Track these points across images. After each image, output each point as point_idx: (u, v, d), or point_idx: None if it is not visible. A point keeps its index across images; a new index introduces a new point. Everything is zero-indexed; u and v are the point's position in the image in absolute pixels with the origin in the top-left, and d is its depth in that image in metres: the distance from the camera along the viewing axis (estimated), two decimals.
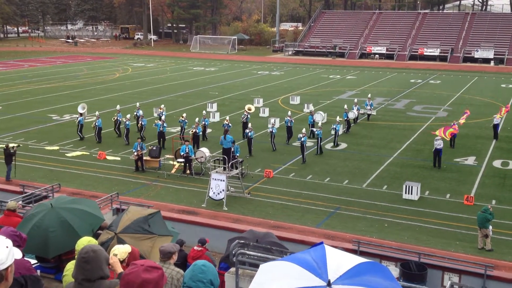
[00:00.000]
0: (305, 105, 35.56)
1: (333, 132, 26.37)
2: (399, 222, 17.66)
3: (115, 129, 28.26)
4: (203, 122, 27.10)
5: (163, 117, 27.50)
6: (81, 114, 28.56)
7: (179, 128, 27.89)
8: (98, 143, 26.74)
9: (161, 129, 26.01)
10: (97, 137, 27.08)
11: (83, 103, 30.96)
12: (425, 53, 70.04)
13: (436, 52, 69.84)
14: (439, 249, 15.51)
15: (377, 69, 61.60)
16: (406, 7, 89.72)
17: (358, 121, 31.47)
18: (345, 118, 29.11)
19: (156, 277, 3.50)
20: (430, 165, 23.79)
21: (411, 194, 19.57)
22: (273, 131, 25.64)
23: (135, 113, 28.38)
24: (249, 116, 27.75)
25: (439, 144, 23.27)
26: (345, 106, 30.78)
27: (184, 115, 27.87)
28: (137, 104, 30.13)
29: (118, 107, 29.59)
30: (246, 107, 28.79)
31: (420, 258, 14.22)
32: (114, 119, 28.16)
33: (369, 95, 34.40)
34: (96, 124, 27.01)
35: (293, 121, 27.25)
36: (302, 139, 24.04)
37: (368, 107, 32.38)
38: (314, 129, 26.37)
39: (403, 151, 26.33)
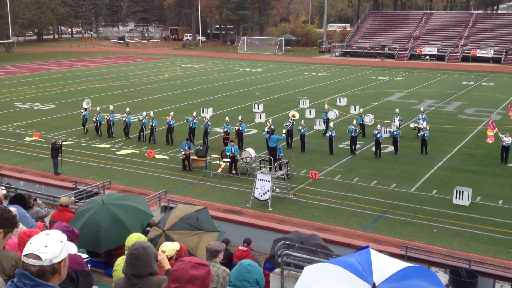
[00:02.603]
0: (352, 106, 35.15)
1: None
2: (448, 228, 17.20)
3: (110, 128, 28.48)
4: (225, 129, 26.29)
5: (194, 114, 27.80)
6: (86, 109, 29.48)
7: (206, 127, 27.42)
8: (102, 137, 28.13)
9: (191, 125, 26.62)
10: (110, 131, 28.32)
11: (87, 98, 31.84)
12: (478, 55, 67.95)
13: (489, 53, 67.65)
14: (491, 257, 15.03)
15: (427, 71, 60.24)
16: (459, 8, 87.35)
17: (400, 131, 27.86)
18: (360, 122, 28.46)
19: (204, 273, 3.54)
20: (482, 170, 23.12)
21: (462, 199, 19.01)
22: (333, 134, 25.32)
23: (125, 119, 28.31)
24: (294, 123, 26.81)
25: (507, 140, 23.11)
26: (361, 110, 30.45)
27: (208, 117, 28.16)
28: (127, 109, 29.40)
29: (111, 107, 29.62)
30: (290, 114, 27.70)
31: (470, 265, 13.83)
32: (106, 118, 28.42)
33: (422, 108, 31.58)
34: (110, 118, 28.12)
35: (357, 130, 25.70)
36: (378, 135, 24.34)
37: (421, 121, 28.43)
38: (391, 129, 26.02)
39: (454, 155, 25.64)
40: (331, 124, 27.35)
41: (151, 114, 28.17)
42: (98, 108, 29.64)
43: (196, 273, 3.48)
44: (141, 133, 27.64)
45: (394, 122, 28.81)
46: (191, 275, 3.46)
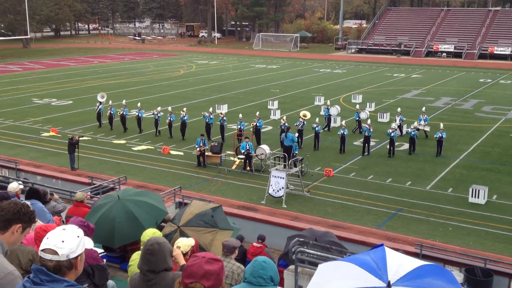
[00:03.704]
0: (367, 103, 34.94)
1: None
2: (464, 227, 17.06)
3: (123, 123, 28.84)
4: (239, 126, 26.10)
5: (210, 109, 27.95)
6: (100, 103, 29.83)
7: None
8: (118, 132, 28.23)
9: (207, 121, 26.85)
10: (122, 125, 28.66)
11: (102, 92, 32.11)
12: (495, 52, 67.15)
13: (507, 51, 66.79)
14: (507, 256, 14.88)
15: (444, 68, 59.65)
16: (476, 4, 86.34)
17: (403, 134, 27.67)
18: (356, 119, 28.32)
19: (218, 268, 3.57)
20: (499, 168, 22.87)
21: (478, 198, 18.84)
22: (345, 133, 25.16)
23: (137, 114, 28.57)
24: (305, 123, 26.28)
25: None
26: (357, 107, 30.39)
27: (224, 112, 28.31)
28: (139, 104, 29.75)
29: (124, 101, 29.85)
30: (301, 113, 27.09)
31: (486, 264, 13.71)
32: (120, 113, 28.70)
33: (423, 109, 30.42)
34: (123, 113, 28.34)
35: (371, 130, 25.10)
36: (392, 134, 24.26)
37: (422, 122, 27.77)
38: (409, 130, 25.81)
39: (470, 153, 25.39)
40: (343, 122, 27.16)
41: (169, 109, 28.40)
42: (110, 102, 29.99)
43: (210, 268, 3.51)
44: (157, 128, 27.85)
45: (396, 121, 28.24)
46: (206, 270, 3.49)
